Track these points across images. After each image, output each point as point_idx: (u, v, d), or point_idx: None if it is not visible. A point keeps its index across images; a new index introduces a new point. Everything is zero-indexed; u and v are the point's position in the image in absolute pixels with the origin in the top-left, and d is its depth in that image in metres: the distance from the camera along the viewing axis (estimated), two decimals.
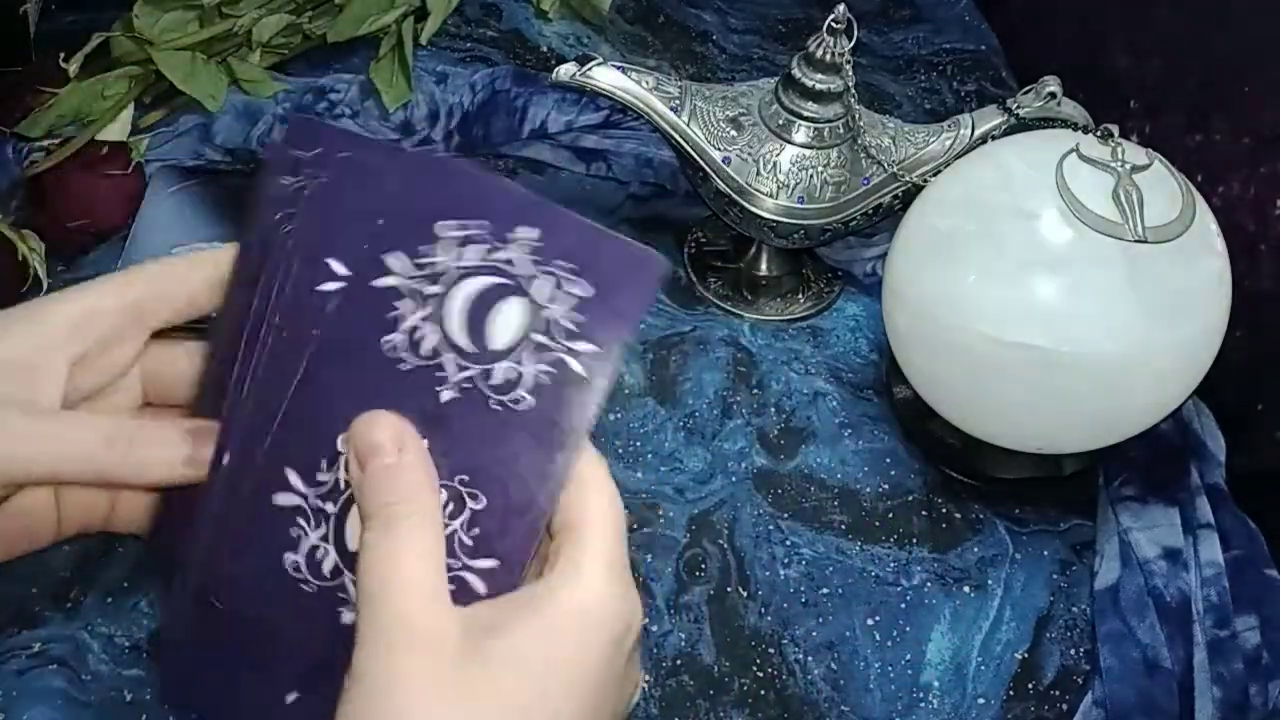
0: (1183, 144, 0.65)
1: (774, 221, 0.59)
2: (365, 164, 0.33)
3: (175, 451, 0.32)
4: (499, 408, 0.32)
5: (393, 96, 0.69)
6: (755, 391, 0.60)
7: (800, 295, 0.65)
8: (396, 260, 0.32)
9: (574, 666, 0.29)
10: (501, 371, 0.32)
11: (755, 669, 0.51)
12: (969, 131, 0.60)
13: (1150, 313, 0.48)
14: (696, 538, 0.54)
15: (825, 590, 0.53)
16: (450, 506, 0.31)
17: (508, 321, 0.32)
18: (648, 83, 0.58)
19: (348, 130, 0.34)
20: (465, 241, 0.32)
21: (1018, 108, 0.60)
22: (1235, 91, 0.62)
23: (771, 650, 0.51)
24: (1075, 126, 0.58)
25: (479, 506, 0.31)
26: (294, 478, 0.32)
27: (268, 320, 0.32)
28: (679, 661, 0.50)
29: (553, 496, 0.32)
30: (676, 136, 0.58)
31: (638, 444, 0.57)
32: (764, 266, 0.65)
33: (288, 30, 0.70)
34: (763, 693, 0.50)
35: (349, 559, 0.32)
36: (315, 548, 0.32)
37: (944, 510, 0.57)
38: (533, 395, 0.32)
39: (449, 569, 0.31)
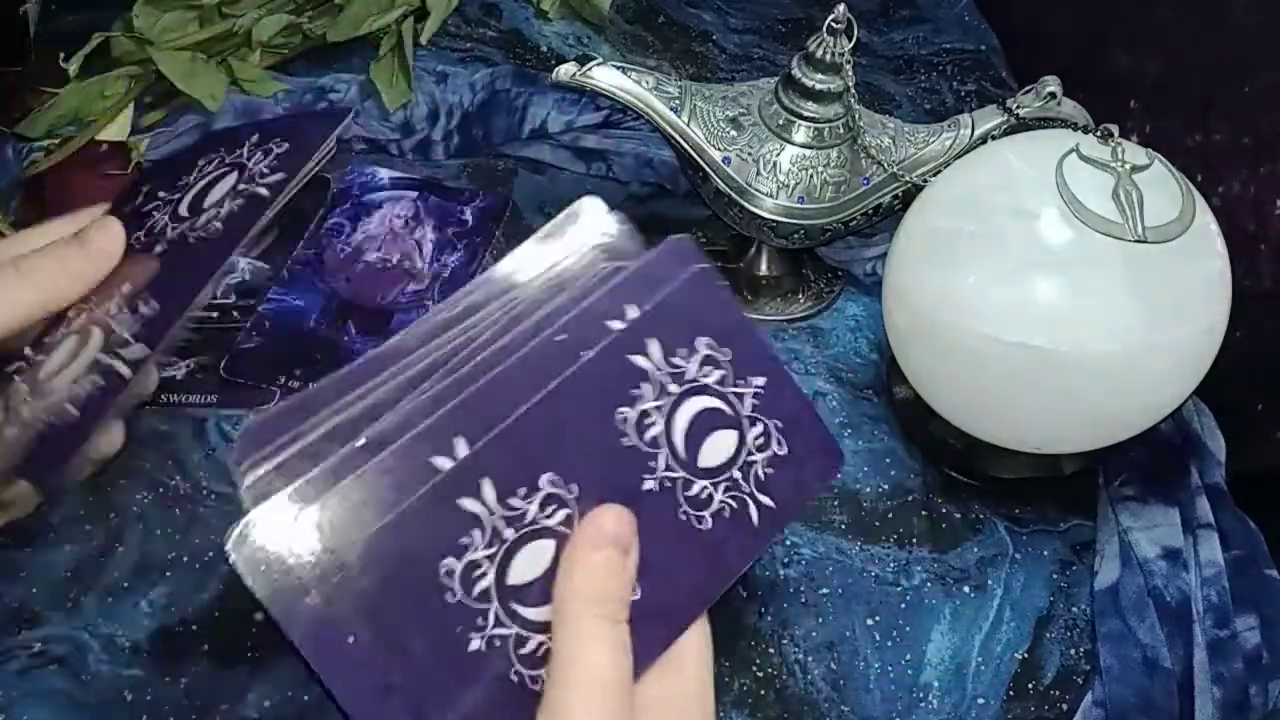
0: (1183, 144, 0.65)
1: (774, 221, 0.59)
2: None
3: (74, 256, 0.36)
4: (684, 518, 0.34)
5: (393, 96, 0.69)
6: None
7: (800, 295, 0.65)
8: (655, 347, 0.35)
9: None
10: (699, 487, 0.34)
11: (755, 669, 0.51)
12: (969, 131, 0.60)
13: (1150, 313, 0.48)
14: None
15: (825, 590, 0.53)
16: None
17: (719, 447, 0.35)
18: (648, 83, 0.58)
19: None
20: (711, 362, 0.35)
21: (1018, 108, 0.60)
22: (1235, 91, 0.62)
23: (771, 650, 0.51)
24: (1075, 126, 0.58)
25: (633, 597, 0.33)
26: (489, 490, 0.32)
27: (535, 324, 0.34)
28: None
29: (694, 618, 0.33)
30: (676, 136, 0.58)
31: None
32: (764, 266, 0.65)
33: (288, 30, 0.70)
34: (763, 693, 0.50)
35: (504, 590, 0.32)
36: (476, 564, 0.32)
37: (944, 510, 0.57)
38: (714, 520, 0.34)
39: None
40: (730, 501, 0.35)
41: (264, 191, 0.39)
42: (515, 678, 0.31)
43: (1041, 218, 0.48)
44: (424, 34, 0.73)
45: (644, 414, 0.34)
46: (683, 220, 0.68)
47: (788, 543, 0.54)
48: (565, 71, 0.56)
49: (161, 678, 0.47)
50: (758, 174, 0.58)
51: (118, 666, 0.47)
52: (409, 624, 0.31)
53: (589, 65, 0.56)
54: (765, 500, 0.35)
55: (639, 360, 0.34)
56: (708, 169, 0.58)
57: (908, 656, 0.52)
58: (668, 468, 0.34)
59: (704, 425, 0.35)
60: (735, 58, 0.80)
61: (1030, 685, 0.51)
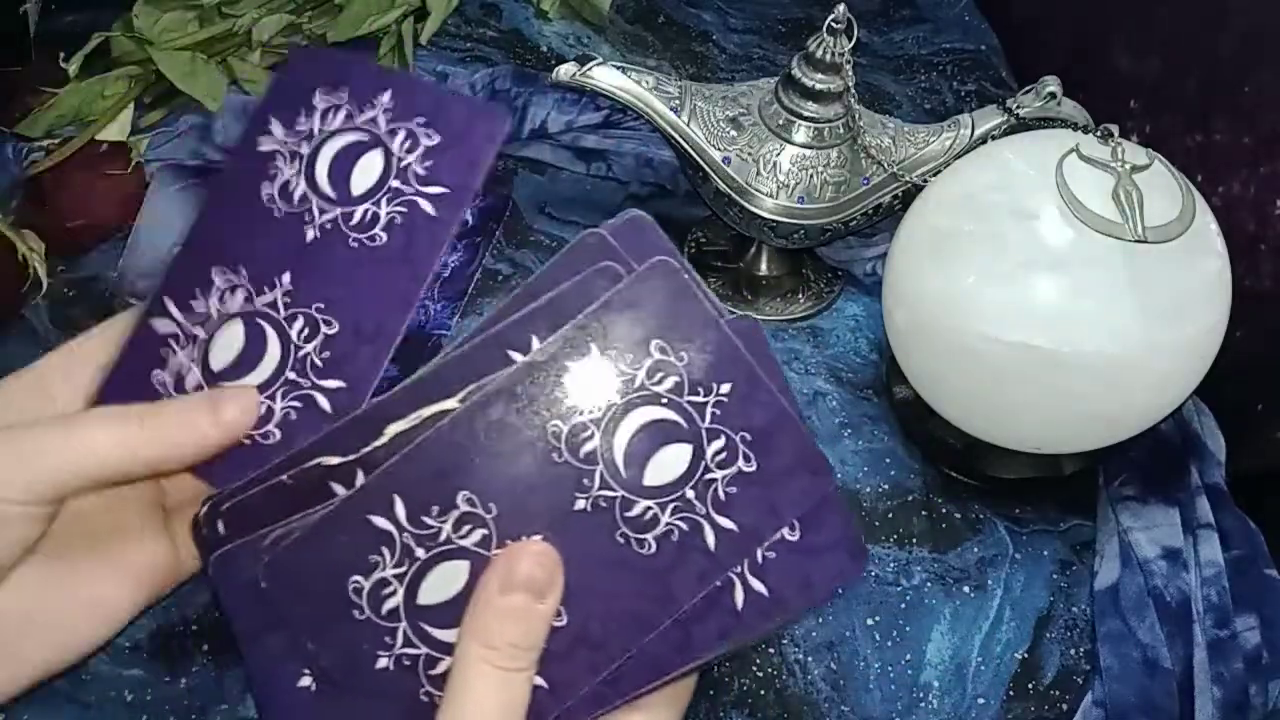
0: (1183, 144, 0.65)
1: (774, 221, 0.59)
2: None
3: (202, 416, 0.33)
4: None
5: None
6: None
7: (800, 295, 0.65)
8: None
9: None
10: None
11: (755, 669, 0.51)
12: (969, 131, 0.60)
13: (1150, 313, 0.48)
14: None
15: None
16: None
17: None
18: (648, 83, 0.58)
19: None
20: (663, 368, 0.33)
21: (1018, 108, 0.60)
22: (1235, 91, 0.62)
23: (771, 650, 0.51)
24: (1075, 126, 0.58)
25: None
26: (400, 507, 0.32)
27: None
28: None
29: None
30: (676, 136, 0.58)
31: None
32: (764, 266, 0.65)
33: (288, 30, 0.70)
34: (763, 693, 0.50)
35: (414, 610, 0.31)
36: (385, 582, 0.31)
37: (944, 510, 0.57)
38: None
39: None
40: (680, 523, 0.32)
41: (430, 210, 0.35)
42: (426, 698, 0.31)
43: (1041, 218, 0.48)
44: (424, 34, 0.73)
45: (579, 427, 0.31)
46: (683, 220, 0.68)
47: None
48: (565, 71, 0.56)
49: (161, 678, 0.47)
50: (758, 174, 0.58)
51: (118, 666, 0.47)
52: (317, 638, 0.32)
53: (589, 65, 0.56)
54: (725, 523, 0.32)
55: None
56: (708, 169, 0.58)
57: (908, 656, 0.52)
58: (604, 485, 0.31)
59: (651, 439, 0.32)
60: (735, 58, 0.80)
61: (1030, 685, 0.51)
